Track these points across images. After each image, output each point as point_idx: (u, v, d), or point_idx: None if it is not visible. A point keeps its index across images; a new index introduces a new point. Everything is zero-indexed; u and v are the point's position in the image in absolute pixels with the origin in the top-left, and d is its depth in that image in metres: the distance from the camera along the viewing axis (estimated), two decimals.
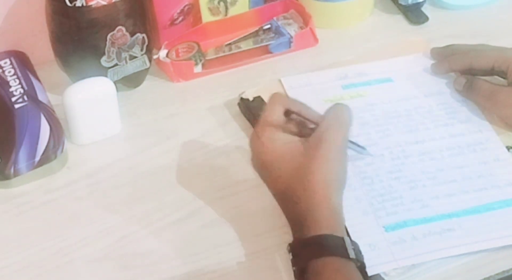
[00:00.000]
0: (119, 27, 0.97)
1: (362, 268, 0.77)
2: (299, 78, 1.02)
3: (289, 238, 0.84)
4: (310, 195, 0.79)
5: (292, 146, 0.82)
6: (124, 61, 1.00)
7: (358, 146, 0.90)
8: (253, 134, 0.84)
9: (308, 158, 0.80)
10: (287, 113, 0.85)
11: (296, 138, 0.83)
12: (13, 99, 0.96)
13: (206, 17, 1.09)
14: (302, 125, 0.85)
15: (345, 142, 0.83)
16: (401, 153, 0.92)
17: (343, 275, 0.75)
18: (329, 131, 0.82)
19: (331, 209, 0.79)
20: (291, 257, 0.78)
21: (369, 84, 1.01)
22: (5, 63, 1.02)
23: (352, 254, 0.76)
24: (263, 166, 0.83)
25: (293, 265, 0.78)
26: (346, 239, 0.77)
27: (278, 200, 0.83)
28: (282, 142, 0.82)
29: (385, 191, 0.88)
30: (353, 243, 0.78)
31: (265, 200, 0.89)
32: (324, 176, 0.80)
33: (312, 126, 0.84)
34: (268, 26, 1.10)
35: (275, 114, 0.84)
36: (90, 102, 0.94)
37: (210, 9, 1.09)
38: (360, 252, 0.78)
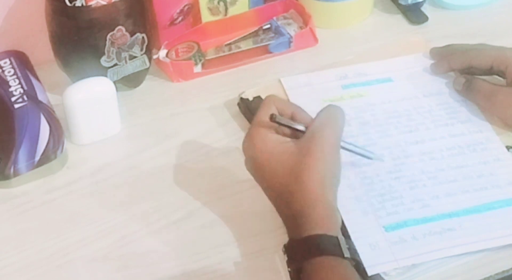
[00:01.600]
0: (119, 27, 0.97)
1: (358, 266, 0.77)
2: (299, 78, 1.02)
3: (288, 238, 0.84)
4: (304, 194, 0.79)
5: (284, 146, 0.82)
6: (124, 61, 1.00)
7: (365, 155, 0.89)
8: (246, 136, 0.84)
9: (301, 157, 0.80)
10: (272, 118, 0.84)
11: (288, 139, 0.83)
12: (13, 99, 0.96)
13: (206, 17, 1.09)
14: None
15: (338, 141, 0.83)
16: (401, 153, 0.92)
17: (338, 274, 0.75)
18: (321, 129, 0.82)
19: (326, 207, 0.79)
20: (286, 258, 0.78)
21: (369, 84, 1.01)
22: (5, 63, 1.02)
23: (346, 253, 0.76)
24: (257, 167, 0.83)
25: (288, 266, 0.78)
26: (341, 238, 0.77)
27: (273, 201, 0.83)
28: (274, 143, 0.82)
29: (385, 191, 0.88)
30: (348, 242, 0.78)
31: (265, 200, 0.89)
32: (318, 174, 0.79)
33: (303, 129, 0.84)
34: (268, 26, 1.10)
35: (268, 115, 0.83)
36: (90, 102, 0.94)
37: (210, 9, 1.09)
38: (356, 251, 0.78)
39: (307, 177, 0.79)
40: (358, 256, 0.78)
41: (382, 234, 0.83)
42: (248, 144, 0.83)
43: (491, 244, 0.82)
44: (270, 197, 0.83)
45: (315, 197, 0.78)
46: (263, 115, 0.83)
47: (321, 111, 0.84)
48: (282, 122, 0.83)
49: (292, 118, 0.84)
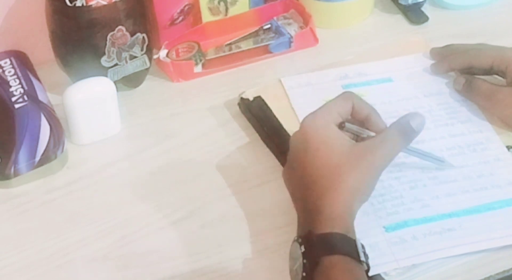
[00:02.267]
0: (119, 27, 0.97)
1: (367, 271, 0.77)
2: (299, 78, 1.02)
3: (289, 237, 0.84)
4: (335, 195, 0.78)
5: (341, 142, 0.81)
6: (124, 61, 1.00)
7: (435, 158, 0.89)
8: (311, 113, 0.83)
9: (350, 161, 0.80)
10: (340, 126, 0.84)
11: (347, 138, 0.82)
12: (13, 99, 0.96)
13: (206, 17, 1.09)
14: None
15: (390, 161, 0.82)
16: (401, 153, 0.92)
17: (353, 275, 0.75)
18: (382, 146, 0.81)
19: (349, 213, 0.79)
20: (303, 249, 0.77)
21: (369, 84, 1.01)
22: (5, 63, 1.02)
23: (362, 257, 0.76)
24: (303, 146, 0.82)
25: (304, 258, 0.76)
26: (358, 242, 0.77)
27: (298, 184, 0.82)
28: (334, 135, 0.81)
29: (385, 191, 0.88)
30: (363, 246, 0.78)
31: (265, 200, 0.89)
32: (356, 185, 0.79)
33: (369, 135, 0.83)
34: (268, 26, 1.10)
35: (343, 108, 0.83)
36: (90, 102, 0.94)
37: (210, 9, 1.09)
38: (368, 257, 0.78)
39: (345, 182, 0.79)
40: (369, 262, 0.78)
41: (382, 234, 0.83)
42: (310, 122, 0.82)
43: (492, 244, 0.82)
44: (298, 178, 0.82)
45: (344, 202, 0.78)
46: (338, 106, 0.83)
47: (394, 123, 0.83)
48: (353, 130, 0.83)
49: (366, 121, 0.84)
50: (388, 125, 0.84)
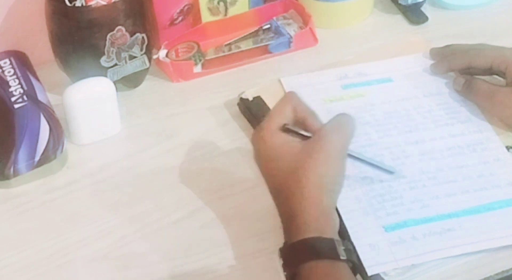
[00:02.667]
0: (119, 27, 0.97)
1: (355, 268, 0.77)
2: (299, 78, 1.02)
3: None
4: (302, 195, 0.78)
5: (291, 145, 0.82)
6: (123, 61, 1.00)
7: (384, 169, 0.89)
8: (256, 128, 0.85)
9: (304, 158, 0.80)
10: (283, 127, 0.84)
11: (296, 139, 0.83)
12: (13, 99, 0.96)
13: (206, 17, 1.09)
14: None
15: (344, 148, 0.82)
16: (401, 153, 0.92)
17: (333, 278, 0.74)
18: (328, 134, 0.81)
19: (321, 210, 0.78)
20: (281, 262, 0.78)
21: (369, 84, 1.01)
22: (5, 63, 1.02)
23: (342, 255, 0.75)
24: (262, 161, 0.84)
25: (284, 270, 0.78)
26: (337, 240, 0.77)
27: (273, 197, 0.83)
28: (282, 141, 0.82)
29: (385, 191, 0.88)
30: (345, 243, 0.77)
31: (265, 200, 0.89)
32: (319, 178, 0.79)
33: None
34: (268, 26, 1.10)
35: (284, 112, 0.84)
36: (90, 102, 0.94)
37: (209, 9, 1.09)
38: (352, 252, 0.78)
39: (306, 179, 0.79)
40: (356, 257, 0.78)
41: (382, 234, 0.83)
42: (257, 137, 0.84)
43: (491, 244, 0.82)
44: (271, 191, 0.83)
45: (312, 199, 0.78)
46: (278, 112, 0.84)
47: (332, 118, 0.84)
48: (292, 129, 0.83)
49: (304, 122, 0.84)
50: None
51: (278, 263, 0.82)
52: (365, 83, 1.01)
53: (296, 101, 0.85)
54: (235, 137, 0.97)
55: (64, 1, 0.93)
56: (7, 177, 0.91)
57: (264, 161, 0.83)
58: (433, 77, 1.01)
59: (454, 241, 0.83)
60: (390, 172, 0.89)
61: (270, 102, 0.98)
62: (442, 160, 0.91)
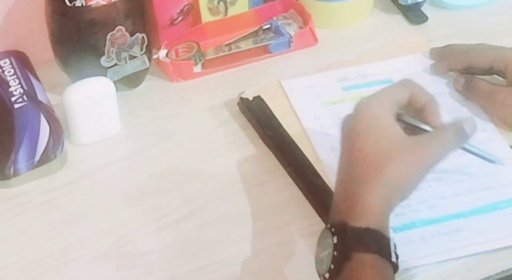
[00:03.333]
0: (119, 27, 0.97)
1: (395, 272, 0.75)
2: (299, 81, 1.02)
3: (289, 237, 0.84)
4: (379, 187, 0.75)
5: (393, 131, 0.78)
6: (123, 61, 1.00)
7: (486, 157, 0.87)
8: (369, 96, 0.80)
9: (398, 153, 0.77)
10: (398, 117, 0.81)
11: (401, 130, 0.79)
12: (13, 99, 0.96)
13: (206, 17, 1.09)
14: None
15: (439, 161, 0.79)
16: None
17: (383, 278, 0.73)
18: (438, 142, 0.79)
19: (386, 208, 0.76)
20: (335, 241, 0.74)
21: (369, 85, 1.01)
22: (5, 63, 1.02)
23: (393, 258, 0.74)
24: (355, 129, 0.79)
25: (335, 250, 0.74)
26: (392, 241, 0.75)
27: (343, 166, 0.79)
28: (387, 122, 0.78)
29: None
30: (395, 246, 0.76)
31: (265, 200, 0.89)
32: (398, 179, 0.76)
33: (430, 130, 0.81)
34: (268, 26, 1.10)
35: (401, 95, 0.80)
36: (89, 102, 0.94)
37: (209, 9, 1.09)
38: (398, 257, 0.75)
39: (387, 174, 0.76)
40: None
41: (391, 235, 0.83)
42: (365, 107, 0.79)
43: (500, 244, 0.82)
44: (344, 162, 0.79)
45: (387, 196, 0.75)
46: (396, 93, 0.81)
47: (451, 124, 0.81)
48: (409, 122, 0.81)
49: (423, 110, 0.81)
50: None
51: (279, 262, 0.82)
52: (365, 85, 1.01)
53: (416, 87, 0.81)
54: (235, 137, 0.97)
55: (64, 1, 0.93)
56: (7, 177, 0.91)
57: (361, 133, 0.78)
58: (433, 77, 1.01)
59: (463, 241, 0.82)
60: (492, 161, 0.87)
61: (270, 102, 0.98)
62: (447, 160, 0.91)
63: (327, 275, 0.74)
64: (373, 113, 0.79)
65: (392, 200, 0.77)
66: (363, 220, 0.74)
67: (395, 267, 0.75)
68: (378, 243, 0.74)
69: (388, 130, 0.78)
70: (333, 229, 0.75)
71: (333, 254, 0.74)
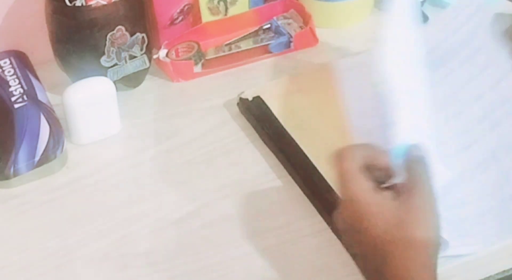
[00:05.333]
0: (119, 26, 0.97)
1: None
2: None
3: (289, 237, 0.84)
4: (411, 255, 0.70)
5: (383, 195, 0.73)
6: (123, 61, 1.00)
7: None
8: (344, 185, 0.74)
9: (406, 212, 0.71)
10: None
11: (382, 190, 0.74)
12: (13, 99, 0.96)
13: (206, 16, 1.09)
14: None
15: (433, 190, 0.74)
16: None
17: None
18: (420, 180, 0.73)
19: (432, 272, 0.71)
20: None
21: None
22: (5, 63, 1.02)
23: None
24: (354, 216, 0.73)
25: None
26: None
27: (363, 255, 0.73)
28: (373, 192, 0.73)
29: None
30: None
31: (265, 200, 0.89)
32: (426, 233, 0.71)
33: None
34: (268, 25, 1.10)
35: (356, 160, 0.73)
36: (90, 102, 0.94)
37: (210, 9, 1.09)
38: None
39: (415, 236, 0.70)
40: None
41: None
42: (347, 193, 0.73)
43: None
44: (361, 248, 0.73)
45: (424, 259, 0.71)
46: (353, 159, 0.73)
47: (405, 162, 0.75)
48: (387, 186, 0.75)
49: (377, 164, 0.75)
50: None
51: (279, 262, 0.82)
52: None
53: (363, 149, 0.75)
54: (235, 137, 0.97)
55: (64, 1, 0.93)
56: (7, 177, 0.91)
57: (358, 215, 0.72)
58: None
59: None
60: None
61: (270, 102, 0.98)
62: None
63: None
64: (355, 192, 0.73)
65: (433, 261, 0.72)
66: None
67: None
68: None
69: (377, 199, 0.72)
70: None
71: None
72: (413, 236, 0.70)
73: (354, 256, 0.76)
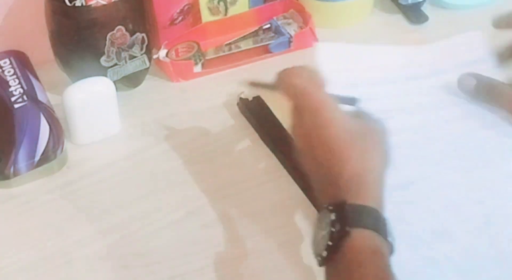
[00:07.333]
0: (119, 26, 0.97)
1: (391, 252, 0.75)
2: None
3: (289, 237, 0.84)
4: (367, 158, 0.76)
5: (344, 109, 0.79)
6: (123, 61, 1.00)
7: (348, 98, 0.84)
8: (303, 98, 0.79)
9: (366, 128, 0.78)
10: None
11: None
12: (13, 99, 0.96)
13: (206, 16, 1.09)
14: None
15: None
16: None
17: (381, 252, 0.72)
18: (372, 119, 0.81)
19: (382, 187, 0.76)
20: (333, 217, 0.72)
21: None
22: (5, 63, 1.02)
23: (390, 237, 0.74)
24: (316, 124, 0.78)
25: (333, 226, 0.73)
26: (388, 221, 0.74)
27: (318, 166, 0.78)
28: (335, 102, 0.78)
29: None
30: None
31: (265, 200, 0.89)
32: (381, 152, 0.78)
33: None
34: (268, 25, 1.10)
35: (305, 77, 0.80)
36: (90, 102, 0.94)
37: (209, 9, 1.09)
38: (394, 238, 0.75)
39: (377, 151, 0.77)
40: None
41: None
42: (313, 99, 0.79)
43: None
44: (318, 148, 0.77)
45: (377, 172, 0.76)
46: (302, 77, 0.81)
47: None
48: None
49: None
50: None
51: (279, 262, 0.82)
52: None
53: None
54: (235, 137, 0.97)
55: (64, 1, 0.93)
56: (7, 177, 0.91)
57: (323, 121, 0.77)
58: None
59: None
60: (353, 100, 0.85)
61: (270, 102, 0.98)
62: None
63: (324, 253, 0.72)
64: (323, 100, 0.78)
65: (383, 179, 0.76)
66: (360, 197, 0.74)
67: (391, 247, 0.74)
68: (376, 221, 0.73)
69: (342, 114, 0.78)
70: (330, 207, 0.74)
71: (331, 231, 0.72)
72: (370, 147, 0.76)
73: (306, 177, 0.79)
